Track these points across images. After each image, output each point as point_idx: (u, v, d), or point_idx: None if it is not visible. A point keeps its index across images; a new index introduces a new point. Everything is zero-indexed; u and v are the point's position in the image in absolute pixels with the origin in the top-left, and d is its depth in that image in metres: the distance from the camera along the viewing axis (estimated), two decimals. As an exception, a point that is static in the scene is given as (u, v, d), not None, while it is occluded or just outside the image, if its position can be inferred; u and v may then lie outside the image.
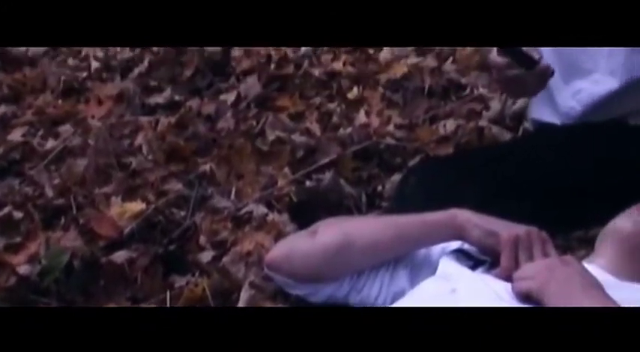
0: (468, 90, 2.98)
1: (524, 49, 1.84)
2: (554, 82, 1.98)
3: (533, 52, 1.86)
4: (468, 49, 3.14)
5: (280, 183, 2.50)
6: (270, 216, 2.35)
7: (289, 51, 3.22)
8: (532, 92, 2.01)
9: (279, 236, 2.23)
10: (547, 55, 1.91)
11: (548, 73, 1.88)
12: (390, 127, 2.77)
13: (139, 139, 2.78)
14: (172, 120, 2.87)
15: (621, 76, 1.96)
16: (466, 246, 1.71)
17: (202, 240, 2.32)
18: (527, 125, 2.57)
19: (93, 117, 2.95)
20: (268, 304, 2.01)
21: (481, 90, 2.94)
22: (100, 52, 3.31)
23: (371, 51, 3.22)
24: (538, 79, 1.90)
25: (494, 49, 1.87)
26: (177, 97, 3.03)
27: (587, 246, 1.96)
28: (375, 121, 2.81)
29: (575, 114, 2.04)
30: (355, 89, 3.01)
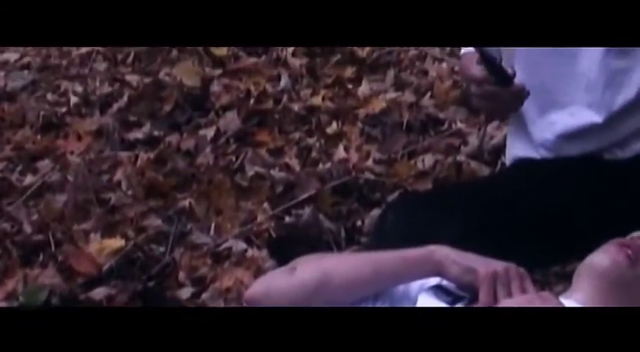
0: (446, 125, 3.00)
1: (502, 64, 1.86)
2: (530, 115, 2.00)
3: (509, 68, 1.88)
4: (446, 84, 3.17)
5: (260, 218, 2.51)
6: (250, 252, 2.35)
7: (268, 86, 3.23)
8: (507, 111, 2.03)
9: (258, 272, 2.23)
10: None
11: (523, 93, 1.90)
12: (369, 162, 2.79)
13: (118, 175, 2.77)
14: (151, 155, 2.87)
15: (598, 109, 1.97)
16: (445, 282, 1.71)
17: (181, 276, 2.32)
18: (505, 160, 2.59)
19: (72, 152, 2.94)
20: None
21: (459, 125, 2.96)
22: (79, 87, 3.31)
23: (350, 86, 3.25)
24: (514, 98, 1.91)
25: (474, 63, 1.88)
26: (156, 132, 3.04)
27: (564, 280, 1.97)
28: (354, 156, 2.82)
29: (549, 146, 2.05)
30: (334, 124, 3.02)
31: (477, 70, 1.87)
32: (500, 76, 1.87)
